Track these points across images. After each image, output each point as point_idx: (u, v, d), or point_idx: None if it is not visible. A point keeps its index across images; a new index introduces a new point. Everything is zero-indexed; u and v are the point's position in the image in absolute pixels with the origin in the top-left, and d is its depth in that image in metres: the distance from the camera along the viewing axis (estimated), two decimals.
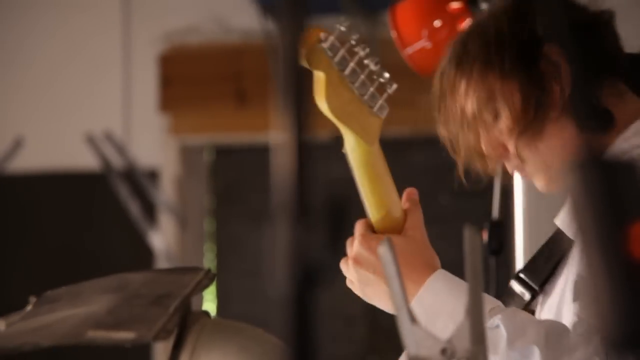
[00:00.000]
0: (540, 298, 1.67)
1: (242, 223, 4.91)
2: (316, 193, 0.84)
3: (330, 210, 0.83)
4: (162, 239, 4.62)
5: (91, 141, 4.62)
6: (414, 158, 4.57)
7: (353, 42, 1.44)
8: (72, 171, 4.87)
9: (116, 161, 4.61)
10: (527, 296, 1.67)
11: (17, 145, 4.71)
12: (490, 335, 1.39)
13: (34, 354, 1.27)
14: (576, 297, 1.48)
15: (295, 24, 0.85)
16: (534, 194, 1.81)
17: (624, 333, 0.83)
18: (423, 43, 2.34)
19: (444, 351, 1.19)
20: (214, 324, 1.39)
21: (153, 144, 4.83)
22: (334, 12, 4.44)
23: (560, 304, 1.58)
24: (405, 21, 2.36)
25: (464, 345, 1.17)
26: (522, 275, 1.69)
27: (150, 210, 4.67)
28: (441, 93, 1.66)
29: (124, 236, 4.75)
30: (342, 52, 1.43)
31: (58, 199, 4.90)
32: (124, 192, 4.55)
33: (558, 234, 1.68)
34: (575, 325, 1.45)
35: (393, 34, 2.39)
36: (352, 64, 1.44)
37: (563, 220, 1.63)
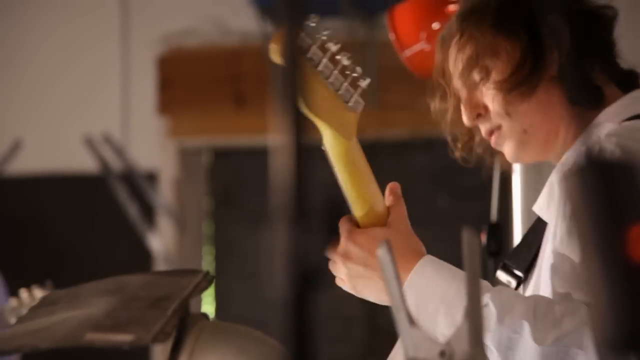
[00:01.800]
0: (525, 283, 1.70)
1: (241, 225, 4.91)
2: (315, 195, 0.84)
3: (329, 213, 0.83)
4: (160, 242, 4.62)
5: (90, 143, 4.62)
6: (412, 160, 4.58)
7: (324, 38, 1.44)
8: (71, 173, 4.87)
9: (115, 163, 4.61)
10: (513, 284, 1.70)
11: (15, 147, 4.71)
12: None
13: (33, 355, 1.27)
14: (553, 274, 1.50)
15: (293, 26, 0.85)
16: (533, 195, 1.81)
17: (624, 334, 0.83)
18: (421, 45, 2.35)
19: (442, 353, 1.19)
20: (213, 327, 1.39)
21: (152, 146, 4.83)
22: (332, 14, 4.45)
23: (538, 280, 1.61)
24: (404, 23, 2.36)
25: (462, 347, 1.17)
26: (507, 263, 1.72)
27: (148, 213, 4.68)
28: (441, 53, 1.69)
29: (122, 238, 4.75)
30: (314, 48, 1.44)
31: (57, 201, 4.90)
32: (122, 195, 4.55)
33: (538, 221, 1.70)
34: (554, 299, 1.47)
35: (391, 37, 2.39)
36: (324, 60, 1.44)
37: (540, 206, 1.66)
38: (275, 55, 1.41)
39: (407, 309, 1.21)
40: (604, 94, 1.63)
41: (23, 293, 3.06)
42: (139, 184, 4.60)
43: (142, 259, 4.66)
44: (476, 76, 1.65)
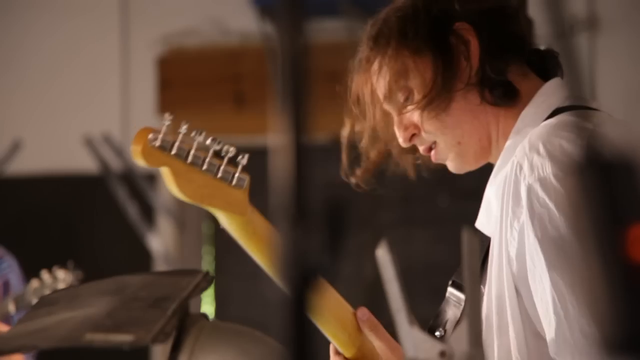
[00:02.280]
0: None
1: None
2: (315, 196, 0.84)
3: (329, 213, 0.83)
4: (160, 242, 4.62)
5: (90, 144, 4.62)
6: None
7: (184, 131, 1.48)
8: (71, 173, 4.87)
9: (115, 164, 4.61)
10: (463, 300, 1.70)
11: (15, 147, 4.71)
12: None
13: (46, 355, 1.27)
14: (544, 317, 1.50)
15: (293, 26, 0.85)
16: None
17: (624, 336, 0.82)
18: None
19: (442, 354, 1.19)
20: (213, 327, 1.39)
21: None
22: (332, 15, 4.45)
23: (489, 294, 1.59)
24: None
25: (461, 347, 1.17)
26: (455, 279, 1.72)
27: (148, 213, 4.68)
28: (356, 82, 1.71)
29: (122, 238, 4.75)
30: (177, 143, 1.46)
31: (56, 201, 4.90)
32: (122, 195, 4.55)
33: (482, 237, 1.71)
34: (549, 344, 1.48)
35: None
36: (192, 151, 1.47)
37: (481, 222, 1.68)
38: (137, 156, 1.46)
39: (406, 309, 1.21)
40: (517, 89, 1.64)
41: (44, 274, 3.07)
42: (138, 184, 4.60)
43: (141, 259, 4.66)
44: (400, 98, 1.67)
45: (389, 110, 1.70)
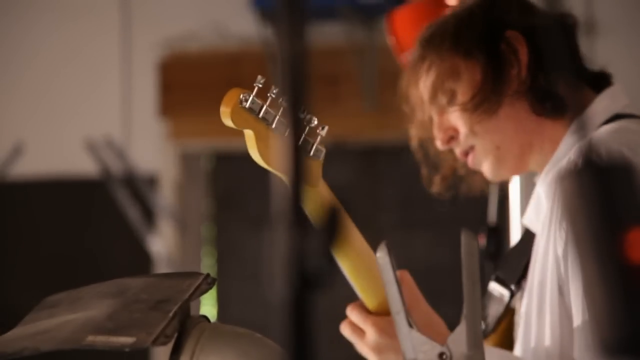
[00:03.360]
0: (518, 295, 1.71)
1: (241, 228, 4.92)
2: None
3: (329, 216, 0.83)
4: (161, 244, 4.62)
5: (91, 147, 4.63)
6: (412, 163, 4.57)
7: (274, 95, 1.47)
8: (72, 177, 4.88)
9: (116, 167, 4.62)
10: (506, 295, 1.71)
11: (16, 151, 4.72)
12: None
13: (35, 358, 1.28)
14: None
15: (294, 30, 0.85)
16: (530, 199, 1.83)
17: (624, 338, 0.83)
18: None
19: (441, 355, 1.19)
20: (213, 329, 1.39)
21: (152, 149, 4.84)
22: (332, 18, 4.46)
23: (530, 292, 1.59)
24: (403, 27, 2.37)
25: (461, 349, 1.17)
26: (499, 275, 1.73)
27: (149, 216, 4.68)
28: (407, 81, 1.73)
29: (123, 241, 4.76)
30: (265, 107, 1.46)
31: (57, 204, 4.91)
32: (123, 198, 4.56)
33: (527, 232, 1.72)
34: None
35: (390, 40, 2.40)
36: (277, 117, 1.47)
37: (529, 218, 1.68)
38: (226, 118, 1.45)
39: (406, 311, 1.21)
40: (565, 103, 1.65)
41: None
42: (139, 187, 4.61)
43: (142, 261, 4.67)
44: (442, 100, 1.68)
45: (431, 111, 1.71)
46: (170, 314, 1.29)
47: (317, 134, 1.50)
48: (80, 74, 4.90)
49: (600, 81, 1.71)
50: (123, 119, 4.78)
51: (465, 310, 1.19)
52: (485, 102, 1.64)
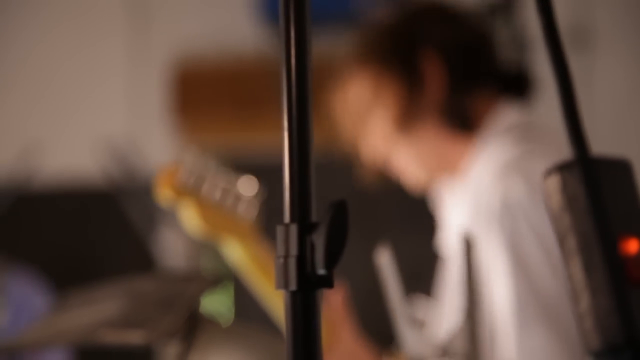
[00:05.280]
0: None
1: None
2: (319, 195, 0.87)
3: (334, 212, 0.85)
4: (173, 242, 4.64)
5: (102, 147, 4.66)
6: None
7: (201, 165, 1.57)
8: (82, 176, 4.91)
9: (125, 167, 4.64)
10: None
11: (25, 152, 4.74)
12: None
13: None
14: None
15: (297, 37, 0.88)
16: None
17: (619, 338, 0.82)
18: None
19: (441, 353, 1.22)
20: (223, 328, 1.41)
21: (164, 150, 4.87)
22: (346, 21, 4.47)
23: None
24: None
25: (461, 346, 1.20)
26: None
27: (162, 214, 4.71)
28: (330, 95, 1.78)
29: (133, 239, 4.78)
30: (198, 179, 1.57)
31: (65, 206, 4.94)
32: (132, 198, 4.58)
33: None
34: None
35: None
36: (208, 184, 1.58)
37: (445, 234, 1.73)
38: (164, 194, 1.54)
39: (406, 310, 1.24)
40: (472, 118, 1.71)
41: None
42: (143, 188, 4.63)
43: (153, 260, 4.69)
44: (366, 115, 1.72)
45: (355, 124, 1.75)
46: (180, 312, 1.32)
47: (248, 191, 1.58)
48: (87, 74, 4.93)
49: (519, 86, 1.75)
50: (133, 120, 4.81)
51: (465, 308, 1.22)
52: (401, 117, 1.70)
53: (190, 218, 1.57)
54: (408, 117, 1.69)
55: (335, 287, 1.64)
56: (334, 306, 1.62)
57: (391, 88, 1.71)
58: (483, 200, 1.58)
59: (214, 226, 1.57)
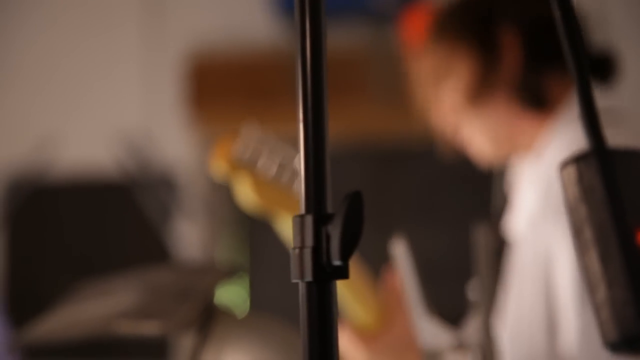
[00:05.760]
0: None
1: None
2: (337, 184, 0.87)
3: (351, 202, 0.85)
4: (187, 234, 4.66)
5: (117, 139, 4.67)
6: (426, 159, 4.58)
7: (256, 139, 1.56)
8: (97, 169, 4.92)
9: (140, 159, 4.65)
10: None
11: (42, 145, 4.76)
12: None
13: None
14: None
15: (313, 28, 0.88)
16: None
17: (636, 329, 0.82)
18: None
19: (457, 345, 1.22)
20: (239, 319, 1.42)
21: (179, 142, 4.88)
22: (364, 14, 4.47)
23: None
24: (416, 28, 2.39)
25: (475, 336, 1.20)
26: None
27: (178, 206, 4.72)
28: (411, 63, 1.80)
29: (148, 231, 4.80)
30: (254, 153, 1.56)
31: (82, 197, 4.96)
32: (149, 189, 4.60)
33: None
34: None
35: (404, 41, 2.43)
36: (263, 159, 1.57)
37: (515, 217, 1.72)
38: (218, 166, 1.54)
39: (423, 301, 1.24)
40: (547, 97, 1.70)
41: None
42: (160, 178, 4.64)
43: (166, 252, 4.71)
44: (439, 86, 1.73)
45: (427, 92, 1.76)
46: (195, 302, 1.33)
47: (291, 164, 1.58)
48: (101, 65, 4.94)
49: (601, 69, 1.74)
50: (146, 112, 4.82)
51: (480, 299, 1.22)
52: (476, 92, 1.69)
53: (244, 192, 1.55)
54: (479, 90, 1.69)
55: (392, 271, 1.65)
56: (390, 289, 1.62)
57: (465, 60, 1.71)
58: (554, 186, 1.58)
59: (268, 201, 1.55)
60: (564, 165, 0.84)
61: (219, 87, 4.88)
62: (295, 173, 1.58)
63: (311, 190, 0.86)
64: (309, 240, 0.85)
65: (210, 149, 1.55)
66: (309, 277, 0.85)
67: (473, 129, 1.72)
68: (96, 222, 4.95)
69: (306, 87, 0.88)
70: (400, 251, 1.23)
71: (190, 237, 4.75)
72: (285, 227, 1.61)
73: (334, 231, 0.84)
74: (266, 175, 1.55)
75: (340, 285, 1.58)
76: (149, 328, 1.27)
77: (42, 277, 4.87)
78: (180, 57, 4.87)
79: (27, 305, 4.53)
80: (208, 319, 1.36)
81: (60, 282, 3.14)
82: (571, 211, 0.82)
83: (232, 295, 4.92)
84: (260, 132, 1.58)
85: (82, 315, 1.36)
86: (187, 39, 4.88)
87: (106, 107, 4.93)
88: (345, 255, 0.84)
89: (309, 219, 0.85)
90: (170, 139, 4.85)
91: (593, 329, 1.49)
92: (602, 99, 1.71)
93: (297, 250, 0.85)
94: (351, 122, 4.62)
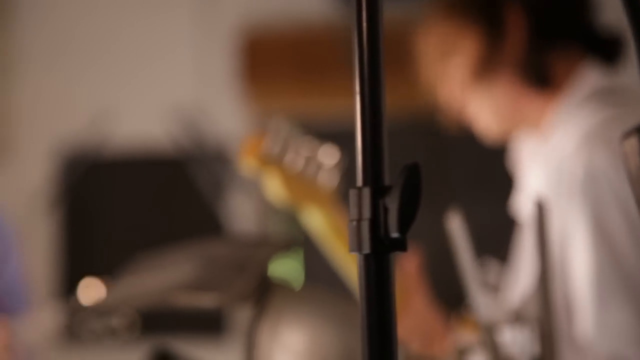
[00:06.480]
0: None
1: None
2: (392, 159, 0.87)
3: (406, 177, 0.85)
4: (240, 208, 4.68)
5: (171, 114, 4.70)
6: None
7: (284, 134, 1.57)
8: (152, 144, 4.96)
9: (194, 134, 4.68)
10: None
11: (95, 121, 4.80)
12: None
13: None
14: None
15: (369, 9, 0.88)
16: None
17: None
18: None
19: (514, 317, 1.22)
20: (296, 291, 1.43)
21: (232, 116, 4.90)
22: None
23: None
24: None
25: (533, 310, 1.20)
26: None
27: (230, 180, 4.75)
28: (415, 41, 1.79)
29: (202, 205, 4.83)
30: (282, 148, 1.60)
31: (138, 170, 5.00)
32: (203, 163, 4.62)
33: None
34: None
35: None
36: (291, 153, 1.60)
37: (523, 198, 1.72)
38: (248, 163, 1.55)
39: (478, 275, 1.24)
40: (551, 74, 1.69)
41: None
42: (213, 155, 4.67)
43: (220, 226, 4.74)
44: (445, 62, 1.72)
45: (434, 68, 1.75)
46: (252, 275, 1.34)
47: (330, 161, 1.58)
48: (154, 43, 4.97)
49: (609, 49, 1.72)
50: (200, 87, 4.84)
51: (539, 274, 1.22)
52: (482, 68, 1.69)
53: (273, 187, 1.59)
54: (485, 67, 1.70)
55: (410, 253, 1.66)
56: (407, 272, 1.63)
57: (472, 36, 1.71)
58: (565, 169, 1.57)
59: (297, 195, 1.59)
60: (626, 136, 0.83)
61: (272, 61, 4.89)
62: (319, 166, 1.61)
63: (368, 163, 0.86)
64: (367, 213, 0.85)
65: (261, 124, 1.59)
66: (366, 250, 0.84)
67: (479, 105, 1.72)
68: (150, 196, 5.00)
69: (362, 58, 0.88)
70: (455, 225, 1.23)
71: (243, 211, 4.78)
72: (312, 220, 1.63)
73: (392, 204, 0.84)
74: (294, 169, 1.58)
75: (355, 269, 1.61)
76: (206, 300, 1.28)
77: (98, 251, 4.93)
78: (233, 32, 4.88)
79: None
80: (265, 291, 1.37)
81: (117, 256, 3.17)
82: (633, 182, 0.82)
83: (287, 268, 4.95)
84: (286, 127, 1.60)
85: (141, 287, 1.38)
86: (241, 13, 4.88)
87: (160, 82, 4.97)
88: (403, 228, 0.84)
89: (366, 192, 0.85)
90: (223, 113, 4.88)
91: (608, 314, 1.49)
92: (608, 78, 1.70)
93: (354, 223, 0.85)
94: (408, 95, 4.61)
